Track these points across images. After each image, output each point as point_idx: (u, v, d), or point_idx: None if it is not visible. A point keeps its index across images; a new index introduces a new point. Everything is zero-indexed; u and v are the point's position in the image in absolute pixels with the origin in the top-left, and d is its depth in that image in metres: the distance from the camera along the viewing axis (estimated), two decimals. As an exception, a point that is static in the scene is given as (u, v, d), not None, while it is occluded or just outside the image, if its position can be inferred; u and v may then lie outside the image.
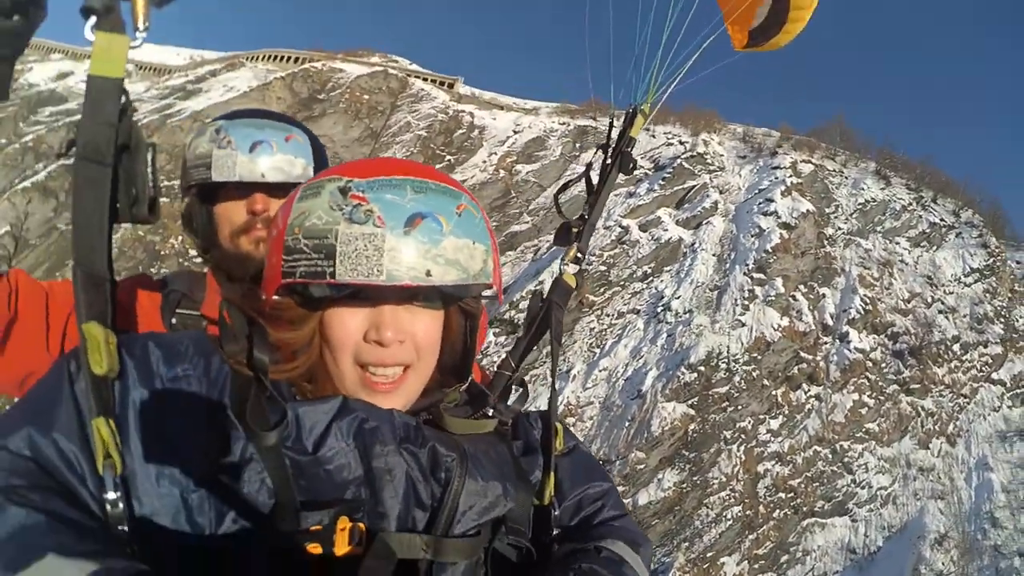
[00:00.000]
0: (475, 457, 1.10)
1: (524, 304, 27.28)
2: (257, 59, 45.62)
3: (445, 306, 1.12)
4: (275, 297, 1.05)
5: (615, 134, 2.20)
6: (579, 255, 1.90)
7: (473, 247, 1.04)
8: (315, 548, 0.94)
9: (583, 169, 2.16)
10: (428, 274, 0.99)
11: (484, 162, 36.85)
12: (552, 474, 1.24)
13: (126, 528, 0.91)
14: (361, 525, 0.97)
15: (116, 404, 0.95)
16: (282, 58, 44.74)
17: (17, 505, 0.83)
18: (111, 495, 0.90)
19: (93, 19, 1.02)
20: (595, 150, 2.15)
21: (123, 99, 1.07)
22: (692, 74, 2.41)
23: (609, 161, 2.15)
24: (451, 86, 42.78)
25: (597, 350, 26.13)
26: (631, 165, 2.06)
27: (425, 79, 42.32)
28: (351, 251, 0.97)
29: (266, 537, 0.96)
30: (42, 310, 1.55)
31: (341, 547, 0.94)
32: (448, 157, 37.01)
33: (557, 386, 1.44)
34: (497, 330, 26.58)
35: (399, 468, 1.03)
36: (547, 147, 37.80)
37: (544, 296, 1.74)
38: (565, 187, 2.29)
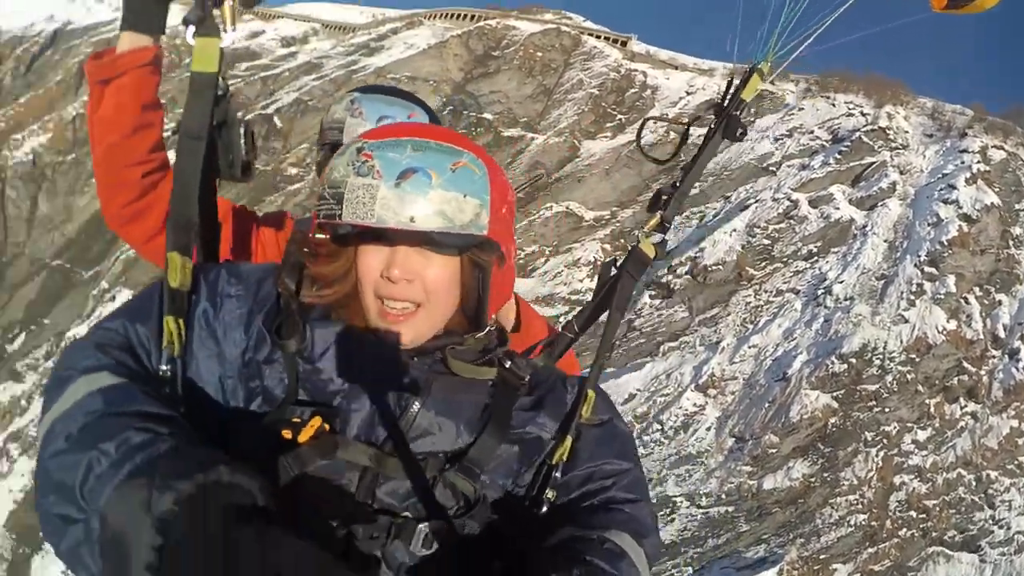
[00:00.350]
0: (437, 396, 1.24)
1: (682, 269, 26.70)
2: (435, 17, 46.50)
3: (461, 255, 1.24)
4: (318, 235, 1.26)
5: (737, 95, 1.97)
6: (666, 224, 1.77)
7: (463, 200, 1.16)
8: (287, 433, 1.15)
9: (695, 124, 1.95)
10: (412, 220, 1.13)
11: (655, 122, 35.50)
12: (569, 438, 1.32)
13: (169, 390, 1.18)
14: (327, 426, 1.16)
15: (188, 310, 1.22)
16: (459, 16, 45.42)
17: (101, 352, 1.14)
18: (164, 367, 1.18)
19: (192, 28, 1.31)
20: (707, 109, 1.93)
21: (220, 87, 1.38)
22: (836, 35, 1.99)
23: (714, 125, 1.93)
24: (624, 44, 41.65)
25: (750, 326, 25.29)
26: (739, 131, 1.81)
27: (598, 36, 41.50)
28: (353, 198, 1.14)
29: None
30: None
31: (304, 437, 1.15)
32: (619, 116, 36.43)
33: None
34: (652, 293, 26.43)
35: (369, 390, 1.21)
36: (719, 110, 36.22)
37: (618, 264, 1.70)
38: (653, 119, 2.24)
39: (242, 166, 1.51)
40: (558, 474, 1.31)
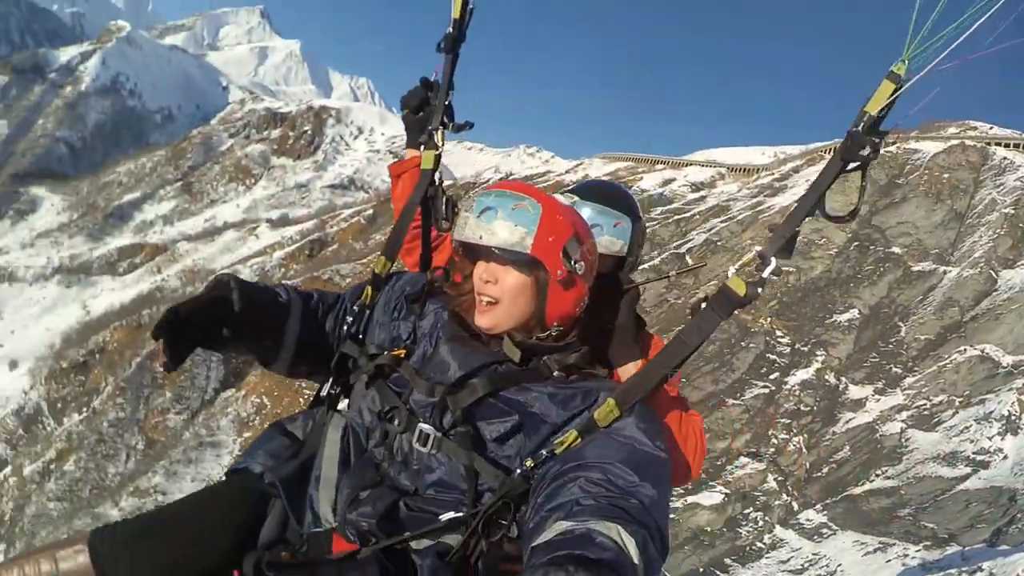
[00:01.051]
0: (456, 345, 1.78)
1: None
2: (834, 151, 43.86)
3: (530, 274, 1.73)
4: (458, 253, 1.88)
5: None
6: (765, 261, 1.55)
7: (514, 228, 1.66)
8: (385, 351, 1.86)
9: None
10: (480, 237, 1.68)
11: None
12: (574, 431, 1.58)
13: (353, 320, 2.01)
14: (403, 354, 1.84)
15: (382, 287, 2.03)
16: (857, 147, 44.75)
17: (318, 293, 2.04)
18: (355, 308, 2.01)
19: (423, 145, 2.31)
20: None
21: (435, 177, 2.27)
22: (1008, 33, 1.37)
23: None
24: (1037, 148, 37.05)
25: None
26: (865, 151, 1.46)
27: (1007, 145, 38.08)
28: (458, 224, 1.76)
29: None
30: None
31: (392, 353, 1.83)
32: (1041, 238, 31.03)
33: None
34: None
35: (431, 338, 1.86)
36: None
37: (706, 299, 1.65)
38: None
39: (442, 222, 2.32)
40: (544, 451, 1.57)
